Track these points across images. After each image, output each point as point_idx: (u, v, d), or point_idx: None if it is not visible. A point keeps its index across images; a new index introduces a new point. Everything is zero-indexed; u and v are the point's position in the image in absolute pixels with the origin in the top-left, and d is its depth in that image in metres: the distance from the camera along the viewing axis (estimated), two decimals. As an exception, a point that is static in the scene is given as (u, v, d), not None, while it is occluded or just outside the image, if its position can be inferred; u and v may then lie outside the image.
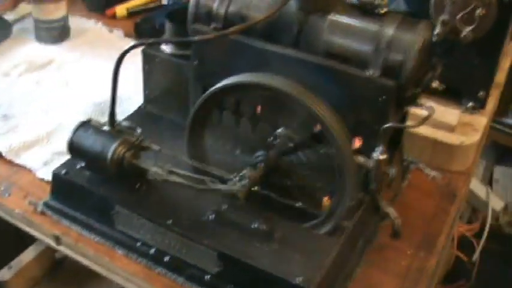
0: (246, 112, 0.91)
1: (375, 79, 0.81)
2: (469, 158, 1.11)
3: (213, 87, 0.83)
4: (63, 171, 0.90)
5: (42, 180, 1.00)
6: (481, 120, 1.15)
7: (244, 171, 0.80)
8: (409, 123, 0.90)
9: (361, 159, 0.82)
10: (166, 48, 1.02)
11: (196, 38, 0.82)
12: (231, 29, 0.79)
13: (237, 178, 0.79)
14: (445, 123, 1.09)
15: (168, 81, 1.03)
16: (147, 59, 1.03)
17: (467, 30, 0.94)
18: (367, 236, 0.91)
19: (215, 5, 0.89)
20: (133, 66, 1.23)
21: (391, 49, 0.80)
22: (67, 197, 0.91)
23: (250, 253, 0.79)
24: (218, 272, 0.81)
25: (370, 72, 0.81)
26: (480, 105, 1.16)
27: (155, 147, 0.84)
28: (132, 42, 1.36)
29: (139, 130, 0.87)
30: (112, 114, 0.84)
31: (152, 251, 0.85)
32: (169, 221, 0.83)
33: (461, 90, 1.15)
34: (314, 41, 0.85)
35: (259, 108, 0.92)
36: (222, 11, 0.88)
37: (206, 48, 0.91)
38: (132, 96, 1.17)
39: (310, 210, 0.86)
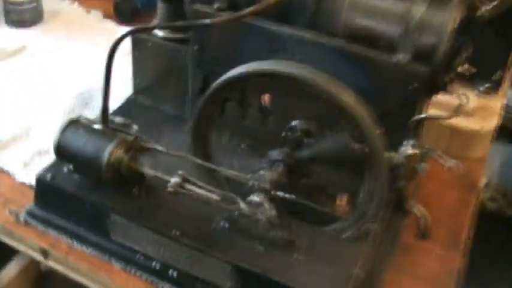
0: (253, 103, 0.81)
1: (406, 65, 0.71)
2: (487, 143, 1.04)
3: (226, 76, 0.72)
4: (49, 176, 0.79)
5: (23, 184, 0.88)
6: (497, 103, 1.07)
7: (262, 173, 0.70)
8: (433, 112, 0.81)
9: (389, 154, 0.74)
10: (157, 31, 0.91)
11: (208, 21, 0.71)
12: (248, 10, 0.68)
13: (255, 182, 0.69)
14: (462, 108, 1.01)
15: (162, 68, 0.92)
16: (137, 44, 0.91)
17: (486, 8, 0.85)
18: (392, 238, 0.83)
19: (218, -19, 0.78)
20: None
21: (422, 30, 0.71)
22: (54, 205, 0.80)
23: (271, 266, 0.70)
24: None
25: (399, 58, 0.71)
26: (495, 87, 1.08)
27: (158, 147, 0.74)
28: (112, 24, 1.26)
29: (135, 127, 0.76)
30: (105, 110, 0.73)
31: (155, 264, 0.75)
32: (176, 232, 0.73)
33: (475, 72, 1.07)
34: (332, 22, 0.75)
35: (266, 98, 0.82)
36: (225, -12, 0.78)
37: (208, 32, 0.80)
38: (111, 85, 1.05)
39: (329, 213, 0.77)
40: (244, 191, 0.74)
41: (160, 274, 0.75)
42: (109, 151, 0.70)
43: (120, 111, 0.93)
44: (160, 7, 0.89)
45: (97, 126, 0.74)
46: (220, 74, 0.83)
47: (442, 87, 0.75)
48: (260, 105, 0.81)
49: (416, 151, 0.73)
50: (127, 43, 1.04)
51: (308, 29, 0.75)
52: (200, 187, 0.69)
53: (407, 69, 0.71)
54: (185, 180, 0.69)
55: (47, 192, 0.80)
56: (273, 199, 0.69)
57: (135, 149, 0.72)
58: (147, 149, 0.73)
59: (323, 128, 0.77)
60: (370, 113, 0.69)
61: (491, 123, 1.02)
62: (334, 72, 0.72)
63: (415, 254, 0.83)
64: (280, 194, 0.69)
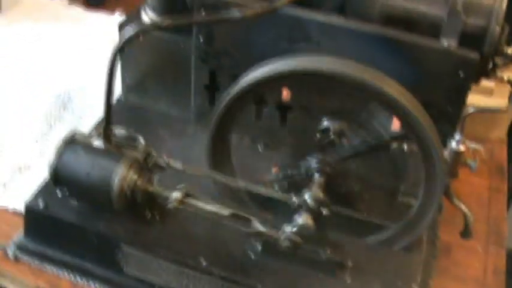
0: (271, 101, 0.71)
1: (454, 51, 0.62)
2: (508, 122, 0.97)
3: (260, 74, 0.61)
4: (41, 203, 0.67)
5: (4, 210, 0.76)
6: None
7: (305, 191, 0.60)
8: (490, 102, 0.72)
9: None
10: (145, 17, 0.78)
11: (238, 14, 0.58)
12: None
13: (301, 202, 0.59)
14: (481, 86, 0.93)
15: (157, 63, 0.80)
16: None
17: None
18: (432, 238, 0.75)
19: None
20: (84, 48, 0.98)
21: (470, 12, 0.62)
22: (49, 236, 0.68)
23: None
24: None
25: (446, 43, 0.62)
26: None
27: (174, 164, 0.62)
28: (78, 10, 1.12)
29: (141, 140, 0.65)
30: (108, 123, 0.61)
31: (179, 298, 0.65)
32: (203, 261, 0.63)
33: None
34: (365, 4, 0.65)
35: (285, 94, 0.72)
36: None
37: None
38: (85, 86, 0.93)
39: (373, 221, 0.69)
40: (269, 205, 0.65)
41: (185, 308, 0.65)
42: (119, 175, 0.58)
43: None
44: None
45: (97, 143, 0.62)
46: (231, 69, 0.73)
47: (489, 73, 0.67)
48: (279, 103, 0.71)
49: (465, 148, 0.65)
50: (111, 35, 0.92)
51: (336, 14, 0.65)
52: (207, 203, 0.59)
53: (457, 55, 0.62)
54: (188, 195, 0.59)
55: (40, 222, 0.68)
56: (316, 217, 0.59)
57: (148, 168, 0.61)
58: (159, 167, 0.62)
59: (352, 125, 0.68)
60: (422, 108, 0.60)
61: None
62: (369, 63, 0.63)
63: (457, 253, 0.76)
64: (325, 211, 0.59)
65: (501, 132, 0.96)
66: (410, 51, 0.64)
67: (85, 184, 0.60)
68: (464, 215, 0.73)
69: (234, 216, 0.59)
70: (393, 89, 0.58)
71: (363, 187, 0.69)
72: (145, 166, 0.61)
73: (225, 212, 0.58)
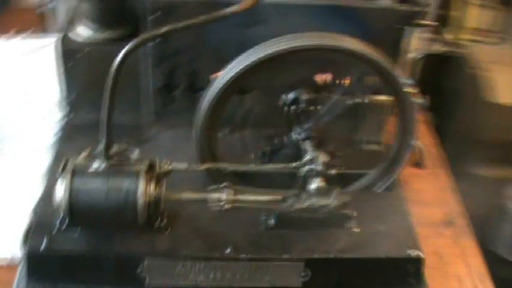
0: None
1: (395, 7, 0.70)
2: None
3: (244, 63, 0.62)
4: (44, 244, 0.64)
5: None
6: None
7: (310, 157, 0.65)
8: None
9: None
10: (83, 32, 0.76)
11: (230, 10, 0.59)
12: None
13: (312, 168, 0.64)
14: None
15: (102, 76, 0.77)
16: (69, 54, 0.75)
17: None
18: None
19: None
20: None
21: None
22: (58, 273, 0.65)
23: (339, 246, 0.67)
24: (305, 283, 0.67)
25: (386, 2, 0.70)
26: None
27: (179, 166, 0.63)
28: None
29: (136, 152, 0.64)
30: (109, 143, 0.60)
31: (210, 293, 0.67)
32: (227, 250, 0.65)
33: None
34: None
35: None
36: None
37: (170, 20, 0.68)
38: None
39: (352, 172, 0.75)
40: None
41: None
42: (141, 190, 0.58)
43: (63, 139, 0.78)
44: (84, 3, 0.74)
45: (97, 165, 0.61)
46: (189, 65, 0.75)
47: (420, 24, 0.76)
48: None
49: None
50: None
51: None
52: (251, 193, 0.62)
53: (395, 11, 0.71)
54: (237, 192, 0.61)
55: (46, 262, 0.64)
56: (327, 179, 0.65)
57: (162, 176, 0.61)
58: (169, 172, 0.62)
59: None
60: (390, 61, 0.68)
61: None
62: (323, 29, 0.68)
63: (413, 183, 0.86)
64: (334, 171, 0.65)
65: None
66: (357, 14, 0.71)
67: (104, 209, 0.58)
68: (420, 150, 0.83)
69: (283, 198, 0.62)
70: (368, 49, 0.64)
71: (337, 144, 0.75)
72: (160, 175, 0.61)
73: (277, 196, 0.61)
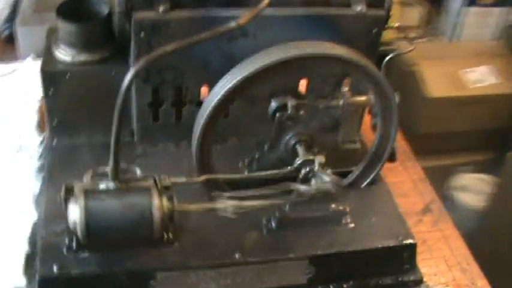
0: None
1: (366, 13, 0.75)
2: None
3: (240, 76, 0.65)
4: (55, 269, 0.64)
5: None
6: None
7: (304, 160, 0.68)
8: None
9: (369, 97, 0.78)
10: (65, 56, 0.76)
11: (234, 24, 0.61)
12: None
13: (309, 168, 0.67)
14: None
15: (88, 97, 0.78)
16: (52, 79, 0.75)
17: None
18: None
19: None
20: None
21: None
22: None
23: (339, 241, 0.71)
24: (309, 280, 0.71)
25: (358, 8, 0.75)
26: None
27: (179, 180, 0.65)
28: None
29: (137, 169, 0.66)
30: (116, 163, 0.61)
31: (220, 299, 0.69)
32: (236, 255, 0.68)
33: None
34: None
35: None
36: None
37: (156, 39, 0.71)
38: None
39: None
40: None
41: (227, 306, 0.70)
42: (156, 206, 0.60)
43: (51, 163, 0.78)
44: (65, 27, 0.74)
45: (104, 186, 0.62)
46: (175, 82, 0.77)
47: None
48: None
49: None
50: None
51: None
52: (254, 199, 0.65)
53: (368, 16, 0.75)
54: (242, 199, 0.64)
55: (59, 287, 0.65)
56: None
57: (168, 190, 0.63)
58: (170, 186, 0.64)
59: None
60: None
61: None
62: (303, 38, 0.72)
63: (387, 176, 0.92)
64: (329, 171, 0.69)
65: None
66: (333, 22, 0.75)
67: (120, 226, 0.60)
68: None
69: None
70: (355, 55, 0.69)
71: (322, 145, 0.79)
72: (168, 189, 0.63)
73: (277, 200, 0.65)
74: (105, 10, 0.77)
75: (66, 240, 0.66)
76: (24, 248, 0.73)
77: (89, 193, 0.60)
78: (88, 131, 0.81)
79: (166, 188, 0.63)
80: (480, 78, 1.75)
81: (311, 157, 0.69)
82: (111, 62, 0.77)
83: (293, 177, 0.71)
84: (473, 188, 1.59)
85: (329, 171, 0.69)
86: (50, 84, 0.76)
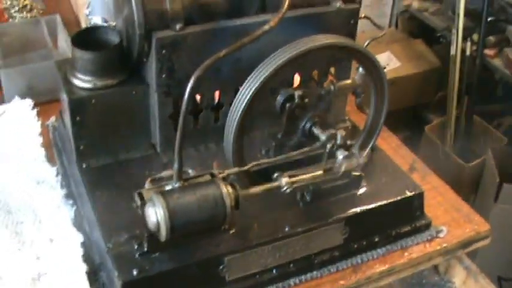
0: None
1: (344, 8, 0.88)
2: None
3: (267, 70, 0.74)
4: (135, 272, 0.70)
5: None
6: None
7: (331, 136, 0.79)
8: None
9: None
10: (84, 83, 0.82)
11: (267, 27, 0.70)
12: None
13: (335, 143, 0.78)
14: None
15: (112, 119, 0.84)
16: (78, 107, 0.81)
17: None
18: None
19: (167, 3, 0.77)
20: None
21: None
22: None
23: (363, 201, 0.82)
24: (345, 239, 0.82)
25: (337, 4, 0.88)
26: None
27: (234, 170, 0.74)
28: None
29: (190, 170, 0.74)
30: (180, 165, 0.69)
31: (274, 271, 0.78)
32: (286, 228, 0.77)
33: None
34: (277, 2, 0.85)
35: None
36: (178, 6, 0.78)
37: (176, 54, 0.79)
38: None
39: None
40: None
41: (282, 276, 0.79)
42: (226, 194, 0.68)
43: (90, 187, 0.82)
44: (82, 56, 0.80)
45: (170, 186, 0.69)
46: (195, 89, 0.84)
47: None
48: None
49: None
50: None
51: (261, 12, 0.84)
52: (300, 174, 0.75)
53: (346, 10, 0.88)
54: (291, 176, 0.74)
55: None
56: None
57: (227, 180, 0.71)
58: (226, 176, 0.73)
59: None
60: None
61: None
62: (297, 36, 0.83)
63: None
64: (351, 143, 0.80)
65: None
66: (318, 18, 0.87)
67: (198, 218, 0.67)
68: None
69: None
70: (352, 41, 0.81)
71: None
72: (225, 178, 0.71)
73: (319, 171, 0.75)
74: (115, 37, 0.83)
75: (136, 246, 0.72)
76: (82, 267, 0.77)
77: (165, 194, 0.67)
78: (112, 151, 0.86)
79: (224, 179, 0.72)
80: (384, 63, 1.95)
81: (333, 131, 0.80)
82: (130, 83, 0.83)
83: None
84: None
85: (349, 142, 0.80)
86: (78, 111, 0.81)
